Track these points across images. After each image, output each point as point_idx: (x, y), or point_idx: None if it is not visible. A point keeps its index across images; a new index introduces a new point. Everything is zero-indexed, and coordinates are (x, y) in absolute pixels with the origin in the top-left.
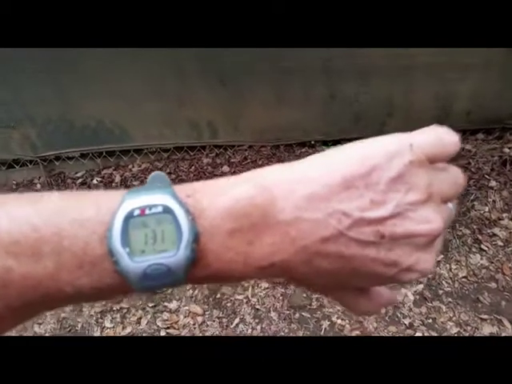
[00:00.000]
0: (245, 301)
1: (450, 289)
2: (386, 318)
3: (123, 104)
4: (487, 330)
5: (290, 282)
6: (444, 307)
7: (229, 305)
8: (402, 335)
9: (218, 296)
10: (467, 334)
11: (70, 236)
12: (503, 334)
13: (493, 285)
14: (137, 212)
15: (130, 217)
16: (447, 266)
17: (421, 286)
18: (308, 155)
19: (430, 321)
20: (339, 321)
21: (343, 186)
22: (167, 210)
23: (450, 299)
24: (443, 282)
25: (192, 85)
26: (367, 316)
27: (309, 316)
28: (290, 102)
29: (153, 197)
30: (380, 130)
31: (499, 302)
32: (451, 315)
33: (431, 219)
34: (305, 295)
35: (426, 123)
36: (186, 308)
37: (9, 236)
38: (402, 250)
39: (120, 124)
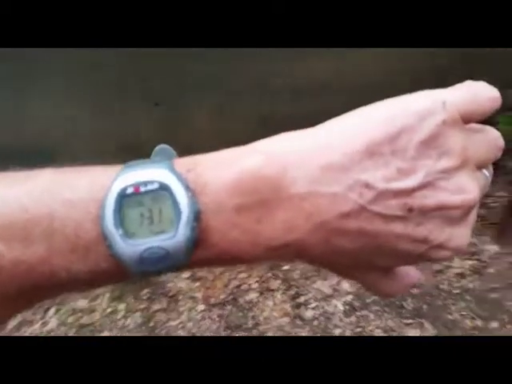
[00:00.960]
0: (180, 326)
1: (376, 297)
2: (318, 330)
3: (51, 125)
4: (411, 333)
5: (305, 262)
6: (372, 315)
7: (163, 332)
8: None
9: (152, 324)
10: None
11: (61, 217)
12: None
13: (415, 290)
14: (130, 190)
15: (123, 195)
16: None
17: (350, 297)
18: None
19: (360, 329)
20: None
21: (366, 153)
22: (164, 187)
23: (377, 307)
24: None
25: (125, 106)
26: (392, 297)
27: (245, 335)
28: (229, 122)
29: (148, 172)
30: None
31: (421, 306)
32: (378, 323)
33: (466, 188)
34: (241, 314)
35: None
36: None
37: None
38: (432, 225)
39: (48, 146)
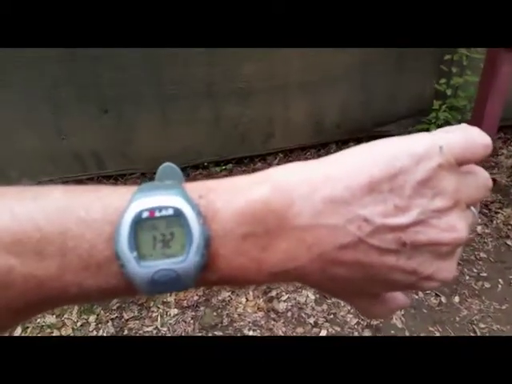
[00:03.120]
0: (154, 332)
1: None
2: (293, 320)
3: None
4: None
5: (306, 285)
6: (342, 302)
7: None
8: (308, 335)
9: (126, 332)
10: (365, 323)
11: (75, 236)
12: (394, 318)
13: None
14: (146, 214)
15: (138, 219)
16: None
17: None
18: (202, 177)
19: (332, 316)
20: (251, 332)
21: (367, 189)
22: (178, 213)
23: None
24: None
25: (69, 114)
26: (380, 319)
27: (221, 334)
28: (177, 127)
29: (163, 198)
30: (263, 147)
31: None
32: (349, 308)
33: (456, 227)
34: (215, 314)
35: (304, 137)
36: None
37: (11, 234)
38: (422, 258)
39: None
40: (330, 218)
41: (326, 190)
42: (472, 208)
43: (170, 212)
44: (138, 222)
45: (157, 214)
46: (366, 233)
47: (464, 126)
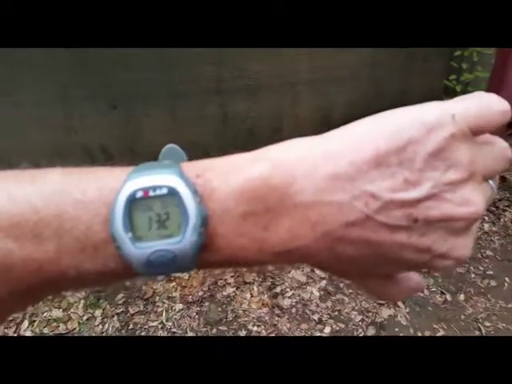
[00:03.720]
0: (160, 326)
1: None
2: (297, 316)
3: (5, 134)
4: (386, 313)
5: (309, 266)
6: (347, 298)
7: (143, 334)
8: (313, 331)
9: (131, 327)
10: (369, 320)
11: (71, 218)
12: (399, 315)
13: None
14: (140, 194)
15: (132, 199)
16: None
17: (324, 282)
18: None
19: (336, 313)
20: (255, 328)
21: (373, 164)
22: (172, 192)
23: (350, 290)
24: None
25: (80, 110)
26: (395, 301)
27: (226, 329)
28: (185, 123)
29: (158, 177)
30: (271, 143)
31: None
32: (354, 305)
33: (471, 201)
34: (220, 309)
35: (312, 133)
36: None
37: (9, 217)
38: (436, 235)
39: (3, 156)
40: (335, 195)
41: (328, 167)
42: (490, 181)
43: (165, 191)
44: (133, 202)
45: (151, 193)
46: (373, 209)
47: (479, 93)
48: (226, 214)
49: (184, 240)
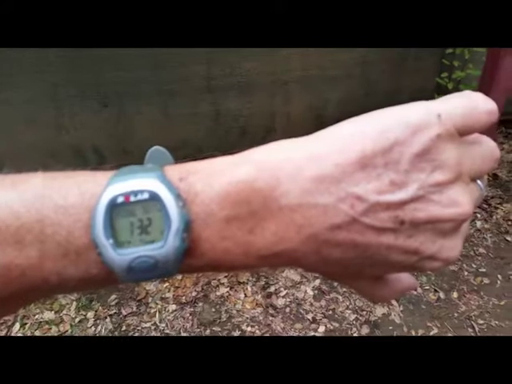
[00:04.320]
0: (153, 328)
1: None
2: (291, 316)
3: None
4: (380, 311)
5: (300, 268)
6: (340, 297)
7: (137, 335)
8: (307, 331)
9: (124, 328)
10: (363, 319)
11: (53, 224)
12: (392, 314)
13: None
14: (121, 199)
15: (113, 204)
16: None
17: (318, 281)
18: None
19: (331, 312)
20: (249, 328)
21: (358, 165)
22: (154, 197)
23: (344, 289)
24: None
25: (70, 109)
26: (385, 302)
27: (219, 329)
28: (177, 121)
29: (139, 181)
30: (264, 141)
31: None
32: (348, 304)
33: (459, 202)
34: (214, 310)
35: (305, 131)
36: None
37: None
38: (424, 237)
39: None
40: (320, 198)
41: (313, 169)
42: (478, 181)
43: (146, 196)
44: (114, 208)
45: (132, 198)
46: (359, 212)
47: (466, 92)
48: (209, 218)
49: (166, 245)
